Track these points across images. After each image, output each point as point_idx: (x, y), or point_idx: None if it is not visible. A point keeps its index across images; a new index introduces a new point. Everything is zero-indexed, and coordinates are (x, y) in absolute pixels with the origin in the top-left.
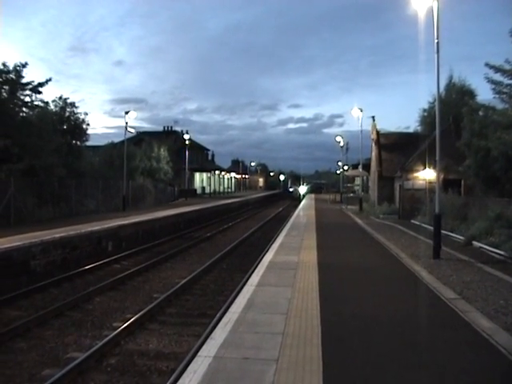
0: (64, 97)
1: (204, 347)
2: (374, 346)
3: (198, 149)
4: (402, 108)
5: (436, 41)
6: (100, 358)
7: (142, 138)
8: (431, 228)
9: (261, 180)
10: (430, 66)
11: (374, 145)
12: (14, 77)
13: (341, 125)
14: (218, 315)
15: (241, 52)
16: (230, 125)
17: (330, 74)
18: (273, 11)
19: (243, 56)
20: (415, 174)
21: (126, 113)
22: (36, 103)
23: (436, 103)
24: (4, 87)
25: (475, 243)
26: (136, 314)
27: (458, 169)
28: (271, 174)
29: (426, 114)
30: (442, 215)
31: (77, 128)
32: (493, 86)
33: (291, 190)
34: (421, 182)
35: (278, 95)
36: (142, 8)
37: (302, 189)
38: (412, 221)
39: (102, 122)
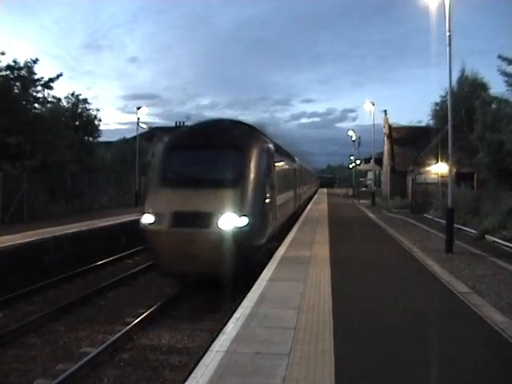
0: (77, 93)
1: (216, 342)
2: (386, 340)
3: None
4: (414, 102)
5: (448, 34)
6: (113, 353)
7: (154, 134)
8: (444, 222)
9: None
10: (441, 60)
11: (386, 139)
12: (25, 73)
13: (354, 119)
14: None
15: (253, 47)
16: (243, 120)
17: (341, 69)
18: (284, 6)
19: (255, 51)
20: (427, 168)
21: (138, 108)
22: (49, 99)
23: (448, 97)
24: (16, 84)
25: (488, 237)
26: (149, 308)
27: (470, 162)
28: None
29: (438, 107)
30: (454, 209)
31: (89, 124)
32: (506, 79)
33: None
34: (433, 175)
35: (291, 90)
36: (153, 5)
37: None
38: (424, 215)
39: (115, 118)
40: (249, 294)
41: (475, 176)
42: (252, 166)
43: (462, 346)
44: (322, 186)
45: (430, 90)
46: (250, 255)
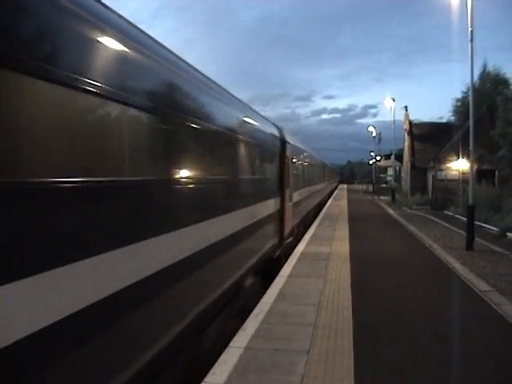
0: None
1: (235, 338)
2: (406, 338)
3: None
4: (435, 98)
5: (470, 29)
6: None
7: None
8: (464, 219)
9: None
10: (463, 56)
11: (406, 135)
12: None
13: (374, 115)
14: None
15: (274, 43)
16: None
17: (362, 64)
18: (306, 2)
19: (277, 47)
20: (448, 165)
21: None
22: None
23: (470, 92)
24: None
25: (509, 234)
26: None
27: (492, 159)
28: None
29: (459, 103)
30: (475, 206)
31: None
32: None
33: None
34: (454, 172)
35: (312, 86)
36: (175, 0)
37: None
38: (445, 211)
39: None
40: (268, 290)
41: (496, 173)
42: None
43: (482, 344)
44: (342, 182)
45: (452, 85)
46: None
